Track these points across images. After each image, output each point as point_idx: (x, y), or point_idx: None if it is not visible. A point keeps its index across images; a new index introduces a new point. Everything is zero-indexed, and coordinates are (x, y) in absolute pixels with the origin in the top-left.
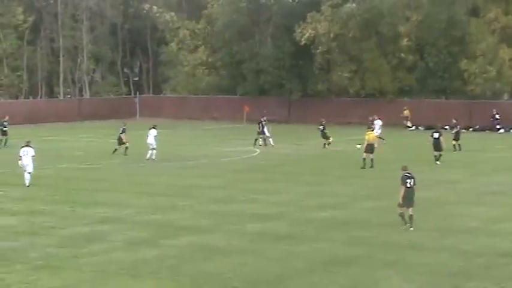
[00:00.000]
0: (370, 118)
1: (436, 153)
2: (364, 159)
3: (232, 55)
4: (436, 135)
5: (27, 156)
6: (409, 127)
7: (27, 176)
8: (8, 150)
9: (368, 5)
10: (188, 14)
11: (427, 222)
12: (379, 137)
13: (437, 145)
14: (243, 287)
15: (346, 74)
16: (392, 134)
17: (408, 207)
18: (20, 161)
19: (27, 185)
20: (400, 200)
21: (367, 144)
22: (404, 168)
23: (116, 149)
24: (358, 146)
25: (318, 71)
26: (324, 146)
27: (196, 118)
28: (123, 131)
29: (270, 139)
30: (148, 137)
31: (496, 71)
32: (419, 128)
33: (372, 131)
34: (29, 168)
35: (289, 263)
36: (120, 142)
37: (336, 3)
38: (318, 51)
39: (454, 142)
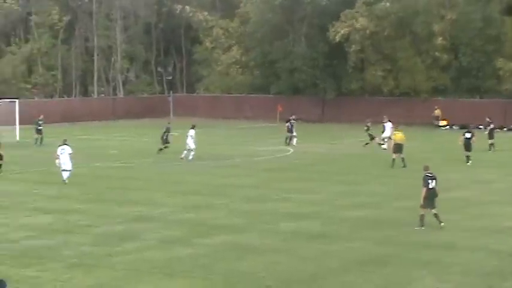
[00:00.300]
0: (369, 120)
1: (467, 153)
2: (394, 159)
3: (265, 54)
4: (468, 135)
5: (64, 155)
6: (440, 126)
7: (64, 174)
8: (44, 149)
9: (402, 3)
10: (222, 13)
11: (461, 222)
12: (380, 143)
13: (468, 145)
14: (276, 286)
15: (380, 73)
16: (425, 134)
17: (431, 208)
18: (57, 160)
19: (65, 181)
20: (422, 201)
21: (395, 144)
22: (426, 169)
23: (161, 149)
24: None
25: (352, 70)
26: (366, 145)
27: (230, 117)
28: (168, 130)
29: (295, 139)
30: (187, 138)
31: None
32: (454, 127)
33: (400, 131)
34: (67, 166)
35: (322, 262)
36: (165, 142)
37: (370, 1)
38: (352, 49)
39: (489, 141)
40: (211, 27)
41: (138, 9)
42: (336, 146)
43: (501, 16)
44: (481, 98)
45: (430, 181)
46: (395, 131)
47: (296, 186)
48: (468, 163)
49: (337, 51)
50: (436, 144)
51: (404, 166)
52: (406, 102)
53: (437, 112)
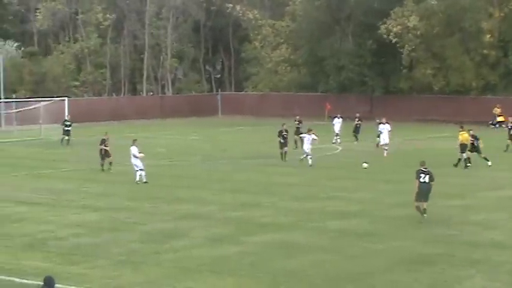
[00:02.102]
0: (377, 120)
1: (463, 155)
2: (459, 159)
3: (313, 52)
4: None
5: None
6: (499, 123)
7: (140, 173)
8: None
9: (450, 1)
10: (271, 12)
11: (510, 221)
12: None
13: (463, 147)
14: (324, 285)
15: (429, 71)
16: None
17: (423, 201)
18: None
19: (144, 181)
20: (414, 195)
21: (460, 144)
22: (421, 164)
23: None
24: (365, 165)
25: (401, 68)
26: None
27: (278, 115)
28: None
29: (337, 137)
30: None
31: None
32: (503, 125)
33: (467, 131)
34: (140, 164)
35: (369, 260)
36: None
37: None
38: (405, 48)
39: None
40: (261, 26)
41: (188, 7)
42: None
43: None
44: None
45: (422, 175)
46: (460, 131)
47: (344, 184)
48: (468, 165)
49: (386, 49)
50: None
51: (466, 166)
52: (456, 100)
53: (498, 110)
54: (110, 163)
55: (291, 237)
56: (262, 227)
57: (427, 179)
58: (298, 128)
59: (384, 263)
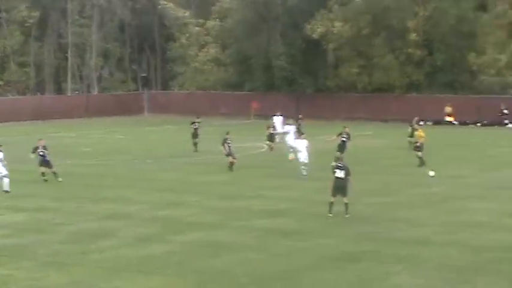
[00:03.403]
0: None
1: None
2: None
3: (241, 51)
4: (344, 138)
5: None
6: (450, 122)
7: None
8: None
9: (375, 0)
10: (197, 10)
11: (435, 217)
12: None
13: (342, 147)
14: (250, 283)
15: (354, 70)
16: (400, 130)
17: (341, 196)
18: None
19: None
20: (330, 190)
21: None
22: (336, 159)
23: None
24: (432, 173)
25: (328, 67)
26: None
27: (204, 114)
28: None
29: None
30: None
31: (504, 63)
32: (427, 123)
33: (343, 127)
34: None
35: (296, 258)
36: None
37: (344, 1)
38: (329, 47)
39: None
40: (186, 25)
41: (114, 6)
42: (310, 143)
43: (474, 12)
44: (455, 93)
45: (337, 170)
46: (415, 130)
47: (270, 183)
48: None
49: (313, 48)
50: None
51: (421, 165)
52: (381, 98)
53: (448, 109)
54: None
55: (217, 236)
56: (189, 226)
57: (342, 175)
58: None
59: (310, 260)
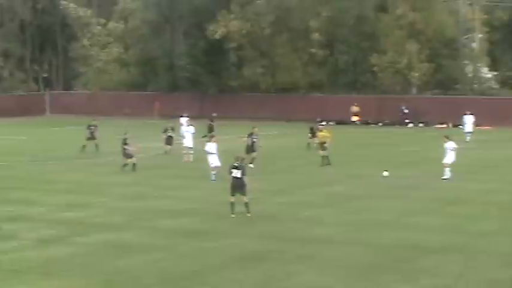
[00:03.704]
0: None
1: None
2: (322, 156)
3: (144, 52)
4: (254, 139)
5: None
6: (354, 122)
7: None
8: None
9: (277, 1)
10: (99, 10)
11: (338, 217)
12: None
13: (250, 148)
14: (156, 284)
15: (258, 70)
16: (304, 130)
17: (240, 195)
18: None
19: None
20: (228, 189)
21: (320, 142)
22: (236, 159)
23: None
24: (385, 174)
25: (231, 67)
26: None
27: (108, 114)
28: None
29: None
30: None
31: (405, 63)
32: (330, 123)
33: (324, 129)
34: None
35: (202, 258)
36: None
37: (245, 1)
38: (231, 46)
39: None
40: (88, 24)
41: (14, 5)
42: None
43: (376, 14)
44: (356, 93)
45: (234, 170)
46: (319, 130)
47: (175, 183)
48: (251, 165)
49: (217, 48)
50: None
51: (326, 164)
52: (284, 98)
53: (355, 109)
54: None
55: (123, 237)
56: (94, 227)
57: (239, 174)
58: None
59: (216, 260)
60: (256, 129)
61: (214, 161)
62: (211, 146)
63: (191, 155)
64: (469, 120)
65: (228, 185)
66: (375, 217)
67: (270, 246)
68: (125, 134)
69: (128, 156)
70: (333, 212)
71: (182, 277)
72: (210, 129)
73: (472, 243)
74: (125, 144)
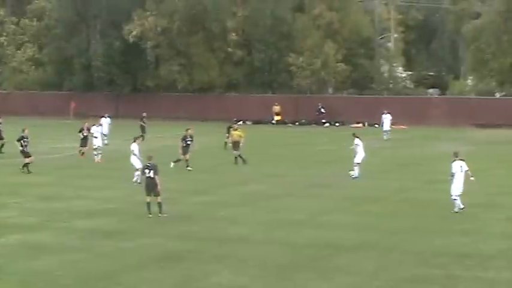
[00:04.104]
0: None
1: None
2: (236, 157)
3: (60, 51)
4: (188, 142)
5: None
6: (274, 122)
7: None
8: None
9: (192, 1)
10: (12, 9)
11: (255, 216)
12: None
13: (186, 149)
14: (73, 284)
15: (174, 68)
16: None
17: (154, 195)
18: None
19: None
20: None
21: (233, 142)
22: (148, 159)
23: None
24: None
25: (148, 67)
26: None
27: (22, 114)
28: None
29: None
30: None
31: (321, 64)
32: (247, 122)
33: (237, 129)
34: None
35: (120, 259)
36: None
37: None
38: (148, 46)
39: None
40: (3, 23)
41: None
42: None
43: (293, 14)
44: (273, 93)
45: (146, 170)
46: (233, 130)
47: (91, 183)
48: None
49: (133, 48)
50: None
51: (240, 163)
52: (200, 98)
53: (277, 108)
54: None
55: (38, 237)
56: (8, 228)
57: (151, 174)
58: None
59: (134, 260)
60: (190, 131)
61: (135, 162)
62: (134, 147)
63: (100, 155)
64: (386, 119)
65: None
66: (290, 216)
67: (188, 246)
68: (23, 131)
69: (26, 155)
70: (248, 212)
71: (99, 277)
72: (143, 129)
73: (385, 241)
74: (23, 142)
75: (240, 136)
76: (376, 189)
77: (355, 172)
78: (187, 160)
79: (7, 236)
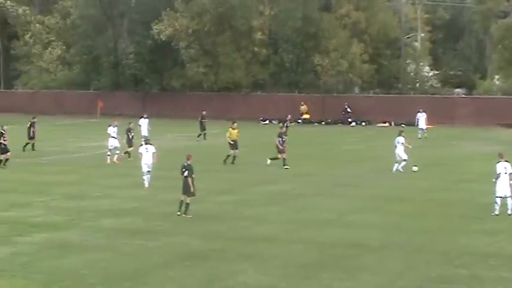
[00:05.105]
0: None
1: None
2: (229, 155)
3: (87, 50)
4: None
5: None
6: (304, 121)
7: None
8: None
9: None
10: (40, 8)
11: (281, 215)
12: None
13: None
14: (99, 283)
15: (201, 69)
16: (247, 129)
17: (185, 195)
18: None
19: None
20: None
21: (231, 140)
22: (187, 158)
23: (26, 144)
24: (415, 168)
25: (175, 66)
26: None
27: (49, 113)
28: (32, 125)
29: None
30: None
31: (347, 64)
32: (273, 121)
33: (235, 128)
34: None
35: (145, 258)
36: (30, 137)
37: None
38: (180, 46)
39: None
40: (30, 23)
41: None
42: (157, 142)
43: (320, 14)
44: (299, 92)
45: (183, 170)
46: (230, 128)
47: (118, 182)
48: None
49: (162, 47)
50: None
51: (232, 163)
52: (226, 97)
53: (303, 108)
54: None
55: (64, 236)
56: (35, 227)
57: (186, 174)
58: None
59: (158, 259)
60: (132, 125)
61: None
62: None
63: (116, 156)
64: (421, 118)
65: (180, 184)
66: (317, 215)
67: (213, 245)
68: (2, 127)
69: (3, 151)
70: (275, 211)
71: (125, 276)
72: (202, 126)
73: (412, 240)
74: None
75: (237, 135)
76: (404, 188)
77: (400, 167)
78: (284, 159)
79: (33, 234)
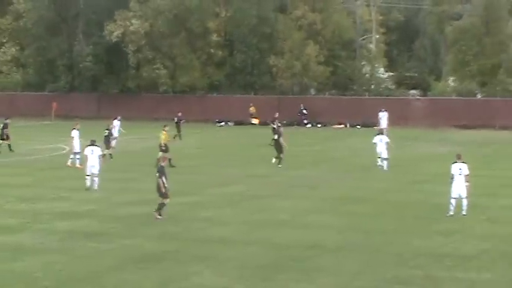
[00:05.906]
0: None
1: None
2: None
3: (41, 51)
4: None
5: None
6: (253, 124)
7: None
8: None
9: (176, 1)
10: None
11: (238, 216)
12: None
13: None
14: (53, 286)
15: (157, 71)
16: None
17: (159, 196)
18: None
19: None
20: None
21: (163, 144)
22: (162, 160)
23: None
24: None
25: (130, 68)
26: None
27: (3, 115)
28: (5, 127)
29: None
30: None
31: (302, 66)
32: (229, 123)
33: (165, 132)
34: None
35: (100, 260)
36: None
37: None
38: (129, 49)
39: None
40: None
41: None
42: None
43: (275, 14)
44: (255, 94)
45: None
46: (163, 130)
47: (72, 184)
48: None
49: (116, 48)
50: (214, 140)
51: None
52: (182, 99)
53: (252, 109)
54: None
55: (18, 239)
56: None
57: (157, 175)
58: None
59: (113, 262)
60: (111, 126)
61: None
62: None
63: (77, 160)
64: (383, 117)
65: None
66: (273, 217)
67: (168, 247)
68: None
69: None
70: (231, 212)
71: (79, 279)
72: (178, 127)
73: (369, 241)
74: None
75: (167, 139)
76: (360, 189)
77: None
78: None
79: None
